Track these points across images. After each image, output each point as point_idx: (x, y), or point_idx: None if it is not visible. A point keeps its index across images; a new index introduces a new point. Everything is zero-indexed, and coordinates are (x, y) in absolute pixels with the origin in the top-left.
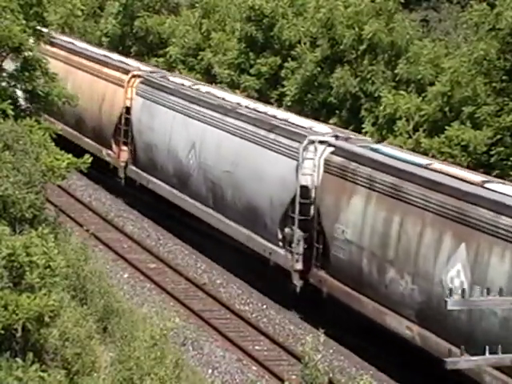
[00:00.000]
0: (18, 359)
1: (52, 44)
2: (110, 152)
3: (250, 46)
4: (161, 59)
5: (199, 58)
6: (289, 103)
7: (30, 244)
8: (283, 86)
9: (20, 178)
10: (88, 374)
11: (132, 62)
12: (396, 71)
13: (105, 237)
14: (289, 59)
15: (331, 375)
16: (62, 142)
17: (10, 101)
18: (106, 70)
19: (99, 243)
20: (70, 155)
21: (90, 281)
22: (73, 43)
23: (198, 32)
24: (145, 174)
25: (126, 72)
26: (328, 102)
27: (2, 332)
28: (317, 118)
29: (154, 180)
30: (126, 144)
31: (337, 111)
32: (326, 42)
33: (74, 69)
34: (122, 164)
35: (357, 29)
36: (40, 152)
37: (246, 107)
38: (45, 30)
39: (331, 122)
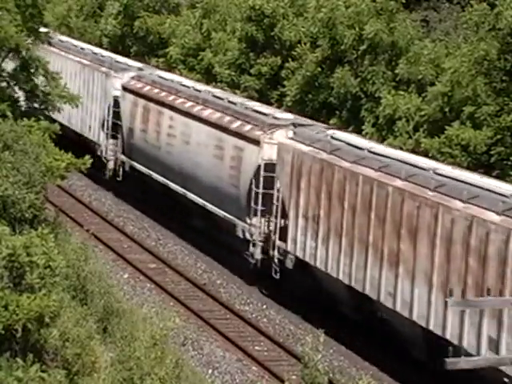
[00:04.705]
0: (18, 359)
1: None
2: None
3: (250, 46)
4: (161, 59)
5: (199, 58)
6: (289, 103)
7: (30, 244)
8: (283, 87)
9: (20, 178)
10: (88, 374)
11: None
12: (396, 71)
13: (105, 237)
14: (289, 59)
15: (331, 375)
16: None
17: (8, 102)
18: None
19: (99, 243)
20: (69, 155)
21: (90, 281)
22: None
23: (198, 32)
24: None
25: None
26: (328, 103)
27: (3, 332)
28: (317, 119)
29: None
30: None
31: (337, 111)
32: (326, 42)
33: None
34: None
35: (357, 29)
36: (40, 152)
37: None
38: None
39: (331, 122)
